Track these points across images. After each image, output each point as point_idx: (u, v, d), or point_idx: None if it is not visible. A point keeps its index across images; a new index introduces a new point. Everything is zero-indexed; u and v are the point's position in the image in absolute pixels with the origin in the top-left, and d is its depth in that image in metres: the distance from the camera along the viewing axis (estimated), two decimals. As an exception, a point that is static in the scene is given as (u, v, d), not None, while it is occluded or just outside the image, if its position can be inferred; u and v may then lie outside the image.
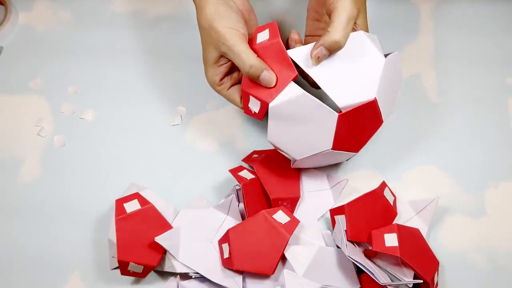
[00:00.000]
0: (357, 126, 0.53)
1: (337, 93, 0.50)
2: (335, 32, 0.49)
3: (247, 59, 0.51)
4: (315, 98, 0.50)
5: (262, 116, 0.53)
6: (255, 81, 0.51)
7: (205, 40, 0.54)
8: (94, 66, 0.69)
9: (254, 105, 0.53)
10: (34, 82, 0.69)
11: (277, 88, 0.51)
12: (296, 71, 0.51)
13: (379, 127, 0.54)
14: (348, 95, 0.50)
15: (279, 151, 0.55)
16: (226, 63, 0.55)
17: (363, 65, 0.50)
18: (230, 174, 0.59)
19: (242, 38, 0.52)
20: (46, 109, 0.67)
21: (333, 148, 0.52)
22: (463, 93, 0.67)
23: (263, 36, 0.52)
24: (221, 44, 0.52)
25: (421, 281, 0.52)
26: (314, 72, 0.50)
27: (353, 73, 0.50)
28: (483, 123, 0.65)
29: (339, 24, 0.49)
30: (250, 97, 0.52)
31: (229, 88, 0.57)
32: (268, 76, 0.51)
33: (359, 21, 0.54)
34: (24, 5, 0.73)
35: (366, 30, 0.54)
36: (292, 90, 0.50)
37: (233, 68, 0.57)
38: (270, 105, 0.51)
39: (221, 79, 0.56)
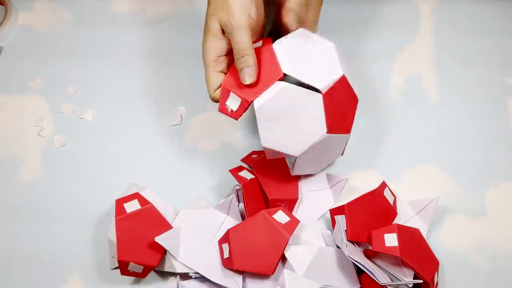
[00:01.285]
0: (340, 104, 0.53)
1: (313, 78, 0.52)
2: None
3: (244, 47, 0.51)
4: (297, 86, 0.51)
5: (239, 116, 0.53)
6: (238, 71, 0.51)
7: (213, 11, 0.53)
8: (94, 66, 0.69)
9: (233, 103, 0.52)
10: (34, 82, 0.69)
11: (261, 87, 0.51)
12: (281, 72, 0.51)
13: (356, 104, 0.56)
14: (322, 77, 0.52)
15: (276, 156, 0.54)
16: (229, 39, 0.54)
17: (320, 53, 0.54)
18: (230, 174, 0.59)
19: (250, 23, 0.52)
20: (46, 109, 0.67)
21: (328, 131, 0.52)
22: (463, 93, 0.67)
23: (256, 44, 0.54)
24: (228, 21, 0.52)
25: (421, 281, 0.53)
26: (287, 67, 0.52)
27: (316, 61, 0.53)
28: (483, 123, 0.65)
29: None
30: (231, 94, 0.52)
31: (218, 71, 0.55)
32: (251, 73, 0.51)
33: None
34: (24, 5, 0.73)
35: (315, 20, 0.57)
36: (275, 86, 0.51)
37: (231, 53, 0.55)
38: (256, 106, 0.51)
39: (219, 56, 0.54)
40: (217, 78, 0.54)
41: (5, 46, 0.71)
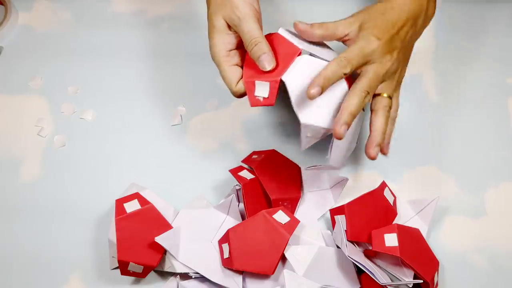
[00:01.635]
0: (350, 81, 0.54)
1: (325, 55, 0.53)
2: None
3: (255, 35, 0.50)
4: (318, 59, 0.52)
5: (274, 100, 0.51)
6: (255, 60, 0.51)
7: (215, 9, 0.52)
8: (94, 66, 0.69)
9: (263, 91, 0.51)
10: (34, 82, 0.69)
11: (284, 66, 0.51)
12: (299, 48, 0.52)
13: None
14: (330, 55, 0.53)
15: (313, 140, 0.53)
16: (236, 33, 0.53)
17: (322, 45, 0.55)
18: (230, 174, 0.59)
19: (254, 13, 0.51)
20: (46, 109, 0.67)
21: None
22: (463, 93, 0.67)
23: None
24: (233, 14, 0.51)
25: (421, 281, 0.53)
26: (300, 45, 0.53)
27: (316, 45, 0.54)
28: (483, 123, 0.65)
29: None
30: (256, 83, 0.51)
31: (233, 65, 0.53)
32: (269, 58, 0.50)
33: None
34: (24, 5, 0.73)
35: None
36: (298, 60, 0.51)
37: (242, 46, 0.54)
38: (287, 81, 0.50)
39: (230, 51, 0.53)
40: (234, 71, 0.53)
41: (5, 46, 0.71)
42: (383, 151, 0.55)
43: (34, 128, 0.66)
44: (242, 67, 0.54)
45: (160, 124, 0.66)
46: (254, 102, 0.52)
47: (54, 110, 0.67)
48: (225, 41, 0.52)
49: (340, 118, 0.49)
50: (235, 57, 0.53)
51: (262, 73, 0.51)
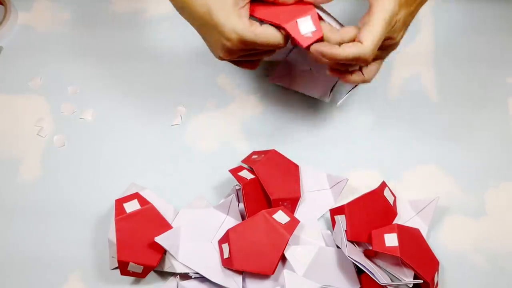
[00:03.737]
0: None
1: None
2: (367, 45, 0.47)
3: None
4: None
5: (321, 30, 0.47)
6: None
7: None
8: (94, 66, 0.69)
9: (307, 26, 0.47)
10: (33, 82, 0.68)
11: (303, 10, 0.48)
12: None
13: None
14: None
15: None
16: (247, 3, 0.48)
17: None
18: (230, 174, 0.59)
19: None
20: (46, 109, 0.67)
21: None
22: (463, 92, 0.67)
23: None
24: None
25: (421, 281, 0.53)
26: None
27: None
28: (483, 123, 0.65)
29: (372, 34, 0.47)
30: (298, 21, 0.47)
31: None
32: None
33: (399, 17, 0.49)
34: (24, 5, 0.73)
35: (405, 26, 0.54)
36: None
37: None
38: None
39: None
40: (266, 26, 0.47)
41: (4, 46, 0.71)
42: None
43: (34, 128, 0.66)
44: None
45: (160, 124, 0.66)
46: (306, 41, 0.47)
47: (54, 110, 0.67)
48: (241, 14, 0.48)
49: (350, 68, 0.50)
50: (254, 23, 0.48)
51: (287, 14, 0.47)
